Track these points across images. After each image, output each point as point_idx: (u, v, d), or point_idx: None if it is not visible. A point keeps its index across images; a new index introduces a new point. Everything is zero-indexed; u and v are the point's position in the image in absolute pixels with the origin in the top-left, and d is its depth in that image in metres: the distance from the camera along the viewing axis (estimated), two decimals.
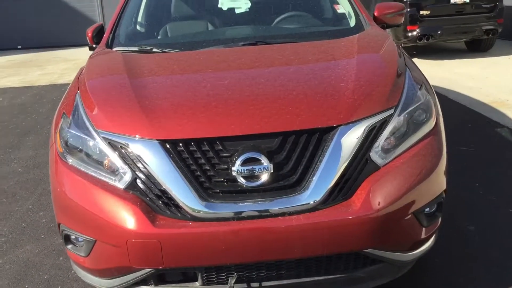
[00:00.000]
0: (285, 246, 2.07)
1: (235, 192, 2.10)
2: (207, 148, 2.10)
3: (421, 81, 2.58)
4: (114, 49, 3.15)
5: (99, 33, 3.43)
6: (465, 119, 5.52)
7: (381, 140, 2.20)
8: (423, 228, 2.32)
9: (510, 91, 6.62)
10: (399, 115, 2.27)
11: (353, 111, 2.18)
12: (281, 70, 2.57)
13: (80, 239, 2.29)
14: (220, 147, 2.10)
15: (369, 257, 2.19)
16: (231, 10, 3.61)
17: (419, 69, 2.86)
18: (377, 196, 2.11)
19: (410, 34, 8.78)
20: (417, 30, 8.72)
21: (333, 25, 3.36)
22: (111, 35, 3.29)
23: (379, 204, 2.10)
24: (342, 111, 2.17)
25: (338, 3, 3.44)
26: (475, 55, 9.30)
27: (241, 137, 2.10)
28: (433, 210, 2.38)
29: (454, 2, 8.73)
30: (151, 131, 2.13)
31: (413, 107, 2.33)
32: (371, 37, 2.99)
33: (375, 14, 3.45)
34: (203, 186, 2.09)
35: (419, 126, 2.33)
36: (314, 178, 2.08)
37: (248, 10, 3.58)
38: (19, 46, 14.31)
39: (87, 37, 3.42)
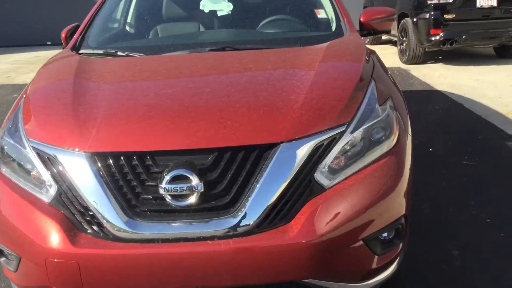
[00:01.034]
0: (214, 272, 1.92)
1: (163, 212, 1.95)
2: (136, 163, 1.96)
3: (387, 95, 2.37)
4: (81, 51, 3.05)
5: (73, 34, 3.34)
6: (477, 130, 5.21)
7: (329, 160, 2.02)
8: (377, 257, 2.12)
9: None
10: (352, 132, 2.08)
11: (297, 127, 2.00)
12: (233, 80, 2.42)
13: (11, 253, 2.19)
14: (150, 162, 1.96)
15: None
16: (212, 13, 3.47)
17: (391, 80, 2.65)
18: (319, 220, 1.93)
19: (433, 39, 8.43)
20: (441, 34, 8.35)
21: (311, 31, 3.17)
22: (80, 36, 3.19)
23: (320, 230, 1.92)
24: (285, 126, 2.00)
25: (319, 8, 3.25)
26: (503, 62, 8.87)
27: (173, 152, 1.96)
28: (390, 237, 2.18)
29: (481, 6, 8.34)
30: (79, 142, 2.01)
31: (369, 124, 2.13)
32: (342, 45, 2.79)
33: (361, 19, 3.24)
34: (130, 204, 1.95)
35: (375, 144, 2.13)
36: (249, 199, 1.92)
37: (229, 13, 3.43)
38: (49, 43, 14.53)
39: (61, 38, 3.34)
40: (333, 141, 2.03)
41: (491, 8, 8.37)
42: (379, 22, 3.25)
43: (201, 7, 3.50)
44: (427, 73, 8.26)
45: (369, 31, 3.26)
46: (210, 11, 3.47)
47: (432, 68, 8.69)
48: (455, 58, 9.34)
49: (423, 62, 9.07)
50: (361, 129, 2.10)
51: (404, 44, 9.20)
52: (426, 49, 8.88)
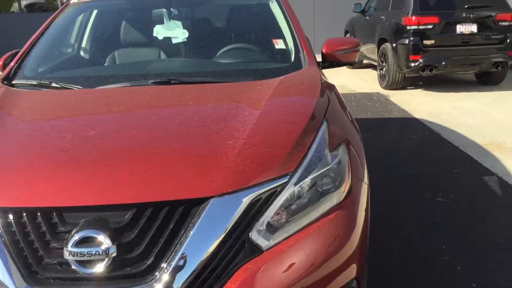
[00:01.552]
0: None
1: (69, 280, 1.67)
2: (41, 220, 1.68)
3: (342, 138, 2.12)
4: (15, 81, 2.77)
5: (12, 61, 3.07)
6: (453, 162, 4.99)
7: (268, 216, 1.75)
8: None
9: (510, 131, 6.05)
10: (296, 184, 1.82)
11: (231, 179, 1.74)
12: (166, 121, 2.15)
13: None
14: (57, 220, 1.68)
15: None
16: (166, 40, 3.22)
17: (349, 119, 2.41)
18: None
19: (412, 65, 8.27)
20: (420, 60, 8.20)
21: (267, 63, 2.92)
22: (16, 65, 2.92)
23: None
24: (217, 178, 1.73)
25: (279, 37, 3.01)
26: (484, 88, 8.73)
27: (85, 208, 1.68)
28: None
29: (461, 32, 8.21)
30: None
31: (317, 174, 1.88)
32: (295, 80, 2.55)
33: (323, 50, 3.01)
34: (30, 270, 1.67)
35: (323, 197, 1.87)
36: (171, 265, 1.65)
37: (184, 40, 3.18)
38: None
39: None
40: (273, 194, 1.77)
41: (471, 34, 8.24)
42: (342, 53, 3.03)
43: (154, 34, 3.24)
44: (407, 99, 8.09)
45: (331, 62, 3.04)
46: (165, 38, 3.22)
47: (412, 94, 8.52)
48: (436, 83, 9.19)
49: (403, 87, 8.91)
50: (307, 179, 1.84)
51: (383, 69, 9.05)
52: (406, 75, 8.72)
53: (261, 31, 3.10)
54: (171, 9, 3.27)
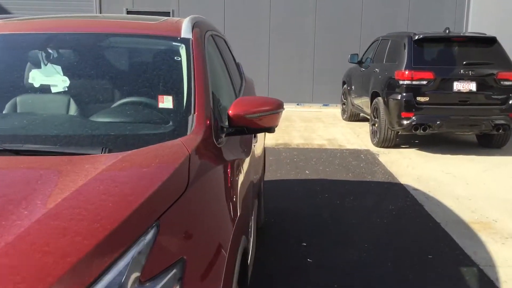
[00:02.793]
0: None
1: None
2: None
3: (180, 255, 1.39)
4: None
5: None
6: (430, 246, 4.20)
7: None
8: None
9: (505, 206, 5.24)
10: None
11: None
12: None
13: None
14: None
15: None
16: (45, 89, 2.56)
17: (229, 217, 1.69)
18: None
19: (404, 122, 7.54)
20: (413, 118, 7.48)
21: (140, 125, 2.20)
22: None
23: None
24: None
25: (168, 93, 2.32)
26: (485, 152, 7.94)
27: None
28: None
29: (458, 90, 7.50)
30: None
31: None
32: (139, 161, 1.80)
33: (230, 112, 2.31)
34: None
35: None
36: None
37: (65, 90, 2.52)
38: None
39: None
40: None
41: (470, 93, 7.53)
42: (256, 117, 2.33)
43: (30, 80, 2.59)
44: (396, 160, 7.33)
45: (240, 128, 2.33)
46: (42, 86, 2.56)
47: (404, 154, 7.76)
48: (433, 143, 8.44)
49: (397, 145, 8.17)
50: None
51: (375, 125, 8.34)
52: (400, 132, 7.99)
53: (153, 84, 2.41)
54: (49, 51, 2.62)
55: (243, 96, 2.42)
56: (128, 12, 13.00)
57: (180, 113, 2.19)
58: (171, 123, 2.16)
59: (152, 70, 2.51)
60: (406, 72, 7.52)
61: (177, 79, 2.37)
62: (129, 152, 1.80)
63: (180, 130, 2.08)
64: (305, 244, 4.15)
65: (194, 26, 2.76)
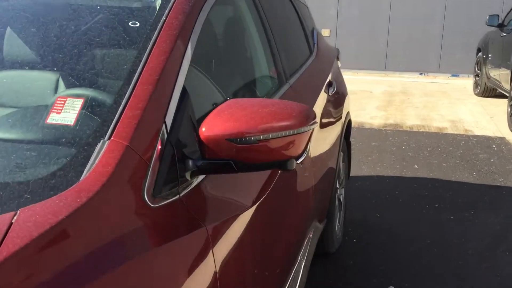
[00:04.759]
0: None
1: None
2: None
3: None
4: None
5: None
6: None
7: None
8: None
9: None
10: None
11: None
12: None
13: None
14: None
15: None
16: None
17: None
18: None
19: None
20: None
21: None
22: None
23: None
24: None
25: (77, 95, 1.16)
26: None
27: None
28: None
29: None
30: None
31: None
32: None
33: (201, 133, 1.13)
34: None
35: None
36: None
37: None
38: None
39: None
40: None
41: None
42: (253, 142, 1.12)
43: None
44: None
45: (221, 162, 1.15)
46: None
47: None
48: None
49: None
50: None
51: None
52: None
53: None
54: None
55: (236, 99, 1.22)
56: None
57: (80, 137, 1.04)
58: (54, 158, 1.01)
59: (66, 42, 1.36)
60: None
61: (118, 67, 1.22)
62: None
63: (63, 176, 0.94)
64: None
65: None
